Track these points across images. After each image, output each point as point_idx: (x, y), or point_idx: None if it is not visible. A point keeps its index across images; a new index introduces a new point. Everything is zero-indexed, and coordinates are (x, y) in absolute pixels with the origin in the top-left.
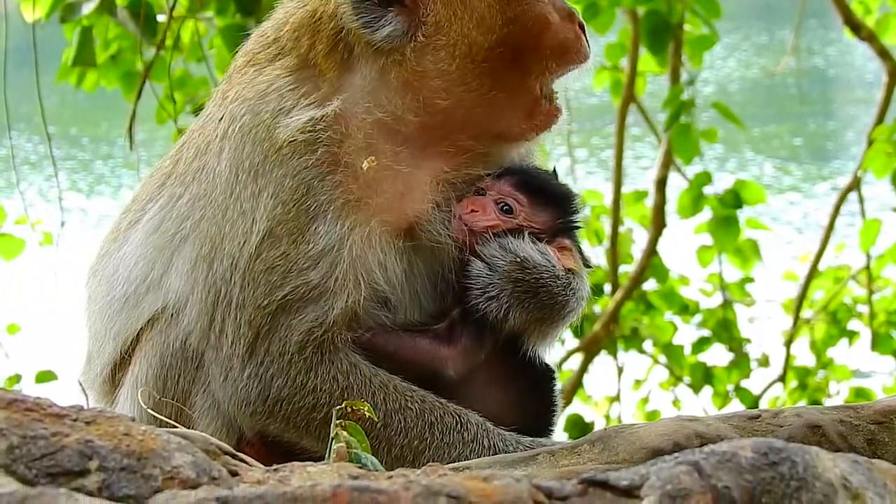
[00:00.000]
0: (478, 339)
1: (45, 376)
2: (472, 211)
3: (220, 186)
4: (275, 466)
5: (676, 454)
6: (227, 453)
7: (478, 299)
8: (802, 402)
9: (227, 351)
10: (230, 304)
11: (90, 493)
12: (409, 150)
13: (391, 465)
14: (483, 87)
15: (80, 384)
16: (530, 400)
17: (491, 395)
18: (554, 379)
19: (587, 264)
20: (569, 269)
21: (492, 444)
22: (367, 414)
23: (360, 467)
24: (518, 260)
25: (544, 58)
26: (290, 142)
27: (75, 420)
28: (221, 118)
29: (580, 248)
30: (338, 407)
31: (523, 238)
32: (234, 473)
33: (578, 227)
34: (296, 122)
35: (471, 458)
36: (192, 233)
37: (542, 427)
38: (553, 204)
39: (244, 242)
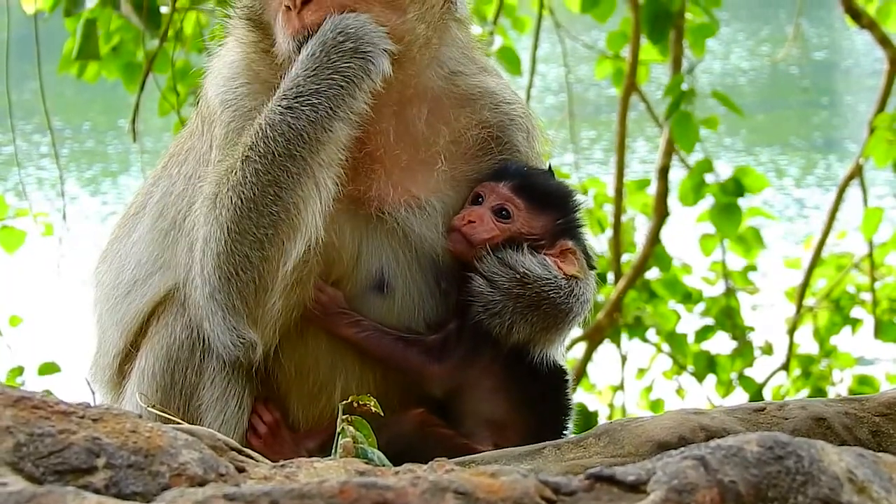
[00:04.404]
0: (470, 357)
1: (47, 368)
2: (470, 222)
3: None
4: (281, 462)
5: (682, 449)
6: (233, 449)
7: (481, 315)
8: (806, 390)
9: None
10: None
11: (97, 491)
12: None
13: None
14: None
15: (89, 378)
16: (541, 404)
17: (499, 401)
18: (566, 381)
19: (591, 265)
20: (570, 276)
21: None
22: (374, 409)
23: (367, 462)
24: (518, 276)
25: None
26: (217, 103)
27: (82, 417)
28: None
29: (584, 246)
30: (343, 402)
31: (522, 251)
32: (240, 469)
33: (580, 226)
34: (217, 80)
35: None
36: (190, 213)
37: (554, 430)
38: (552, 206)
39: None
